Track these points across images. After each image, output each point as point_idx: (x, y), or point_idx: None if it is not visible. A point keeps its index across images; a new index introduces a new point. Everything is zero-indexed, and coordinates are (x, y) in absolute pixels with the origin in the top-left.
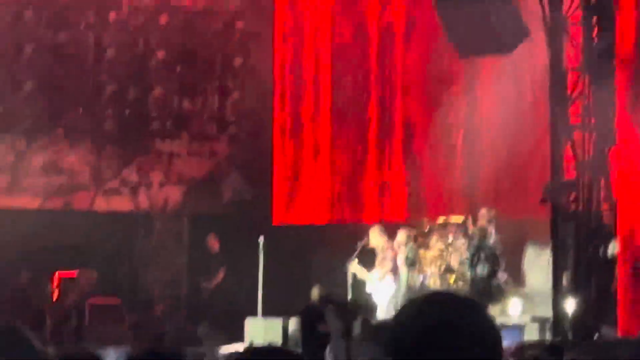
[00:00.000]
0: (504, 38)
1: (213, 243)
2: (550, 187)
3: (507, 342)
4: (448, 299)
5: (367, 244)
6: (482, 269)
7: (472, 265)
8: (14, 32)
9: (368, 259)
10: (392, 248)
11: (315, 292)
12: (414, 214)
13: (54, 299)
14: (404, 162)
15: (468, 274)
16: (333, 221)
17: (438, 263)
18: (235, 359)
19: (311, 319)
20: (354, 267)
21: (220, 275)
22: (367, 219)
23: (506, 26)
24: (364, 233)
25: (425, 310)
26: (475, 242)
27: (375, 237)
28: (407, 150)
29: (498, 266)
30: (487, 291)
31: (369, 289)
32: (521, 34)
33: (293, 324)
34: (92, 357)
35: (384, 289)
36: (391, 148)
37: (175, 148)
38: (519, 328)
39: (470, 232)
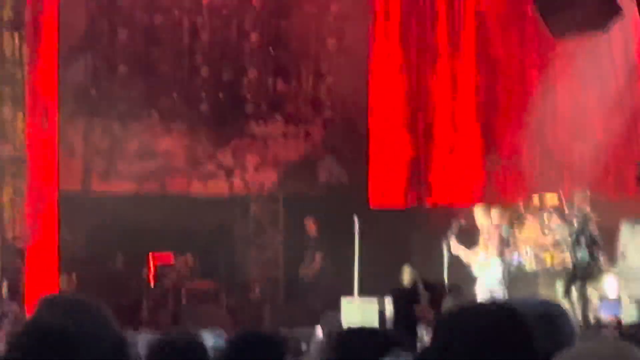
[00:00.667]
0: (597, 17)
1: (311, 226)
2: None
3: (606, 314)
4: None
5: (465, 225)
6: (583, 254)
7: (574, 249)
8: (109, 16)
9: (465, 240)
10: (498, 228)
11: (406, 274)
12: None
13: (151, 283)
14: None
15: (565, 255)
16: (423, 204)
17: (532, 244)
18: (334, 339)
19: (403, 300)
20: (456, 248)
21: (318, 260)
22: (457, 202)
23: (599, 5)
24: (455, 215)
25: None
26: (576, 226)
27: (481, 217)
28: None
29: (599, 250)
30: (589, 274)
31: (475, 270)
32: (614, 13)
33: (388, 304)
34: (192, 340)
35: (491, 270)
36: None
37: (270, 131)
38: (617, 302)
39: (567, 213)
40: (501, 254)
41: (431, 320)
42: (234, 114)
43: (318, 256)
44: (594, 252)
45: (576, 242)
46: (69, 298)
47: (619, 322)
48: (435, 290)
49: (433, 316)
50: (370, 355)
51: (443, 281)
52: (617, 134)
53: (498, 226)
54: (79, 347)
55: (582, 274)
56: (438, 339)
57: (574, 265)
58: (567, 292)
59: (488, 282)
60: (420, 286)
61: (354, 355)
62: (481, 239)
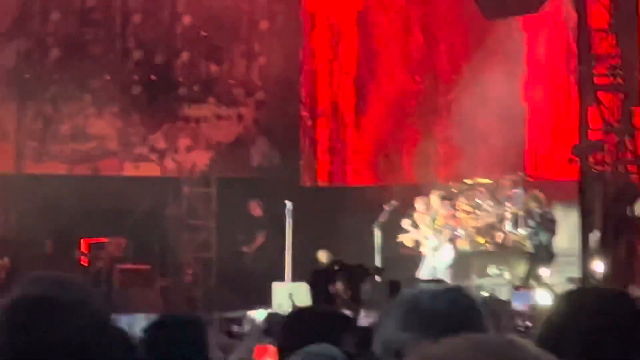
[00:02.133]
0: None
1: (255, 208)
2: (578, 147)
3: (519, 304)
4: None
5: (397, 206)
6: (544, 237)
7: (532, 232)
8: None
9: (393, 221)
10: (454, 215)
11: (322, 256)
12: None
13: (83, 266)
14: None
15: (497, 236)
16: (355, 183)
17: (466, 226)
18: (283, 320)
19: (320, 281)
20: (407, 230)
21: (260, 239)
22: (388, 181)
23: None
24: (387, 196)
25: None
26: (519, 207)
27: (437, 203)
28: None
29: (555, 232)
30: (545, 257)
31: (426, 253)
32: None
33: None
34: (195, 320)
35: (442, 254)
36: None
37: (203, 113)
38: (528, 292)
39: (499, 195)
40: (452, 238)
41: (346, 300)
42: (167, 96)
43: (260, 237)
44: (553, 233)
45: (527, 225)
46: (54, 276)
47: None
48: (353, 272)
49: (349, 296)
50: (320, 334)
51: (361, 263)
52: (548, 116)
53: (451, 211)
54: (66, 317)
55: (540, 258)
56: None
57: (536, 247)
58: (530, 277)
59: (438, 265)
60: (336, 267)
61: (305, 335)
62: (428, 222)
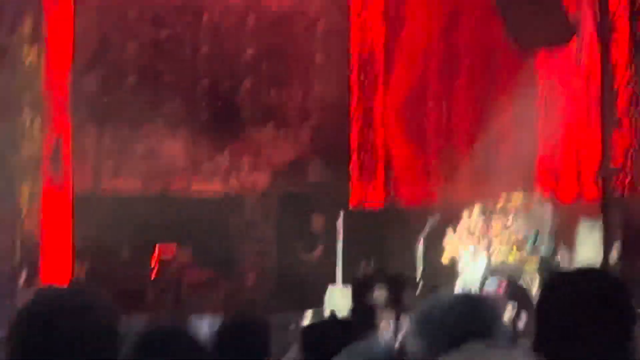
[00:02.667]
0: (560, 33)
1: (316, 220)
2: (601, 172)
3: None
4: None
5: (438, 221)
6: (544, 250)
7: (533, 246)
8: (119, 30)
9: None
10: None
11: (363, 267)
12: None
13: (154, 275)
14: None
15: (525, 252)
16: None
17: (498, 241)
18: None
19: (360, 288)
20: (451, 240)
21: (319, 249)
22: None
23: (560, 22)
24: (427, 214)
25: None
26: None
27: (477, 215)
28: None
29: (556, 246)
30: (551, 267)
31: (462, 264)
32: (573, 29)
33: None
34: (178, 330)
35: (478, 264)
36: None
37: (264, 136)
38: None
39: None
40: (487, 249)
41: (386, 307)
42: (231, 120)
43: (319, 247)
44: (554, 246)
45: (534, 238)
46: (66, 288)
47: None
48: (394, 281)
49: (389, 303)
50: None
51: (402, 273)
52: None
53: (486, 223)
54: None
55: (546, 268)
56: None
57: (540, 260)
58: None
59: (473, 276)
60: (379, 275)
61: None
62: (466, 234)
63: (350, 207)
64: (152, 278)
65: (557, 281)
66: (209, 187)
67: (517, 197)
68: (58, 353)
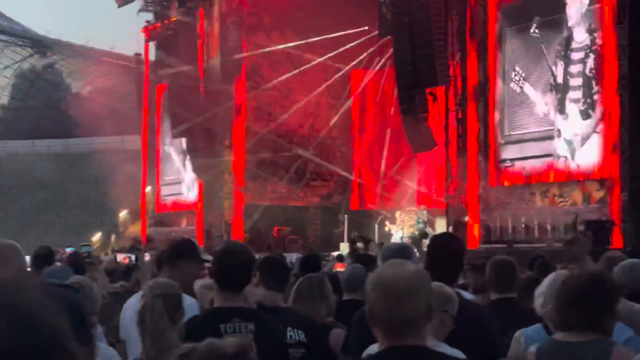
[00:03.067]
0: (427, 144)
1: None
2: (445, 196)
3: None
4: None
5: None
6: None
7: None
8: None
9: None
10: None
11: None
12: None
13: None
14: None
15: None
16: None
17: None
18: None
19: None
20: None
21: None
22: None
23: (428, 137)
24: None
25: None
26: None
27: (398, 215)
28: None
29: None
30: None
31: (393, 236)
32: (433, 142)
33: None
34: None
35: (398, 235)
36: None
37: None
38: None
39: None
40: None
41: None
42: None
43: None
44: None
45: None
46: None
47: None
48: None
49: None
50: None
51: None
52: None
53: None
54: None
55: None
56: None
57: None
58: None
59: (396, 239)
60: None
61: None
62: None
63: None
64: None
65: (431, 241)
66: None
67: (411, 207)
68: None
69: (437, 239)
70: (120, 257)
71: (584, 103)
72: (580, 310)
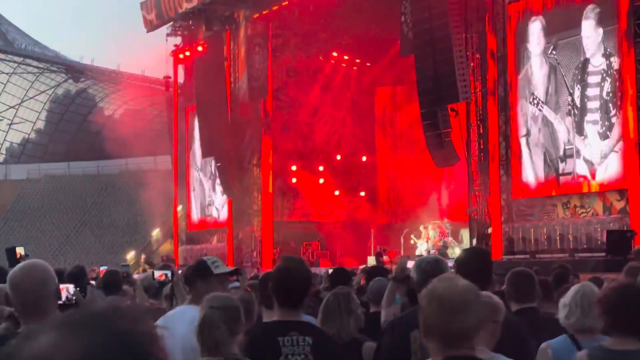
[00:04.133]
0: (450, 159)
1: None
2: (468, 209)
3: None
4: None
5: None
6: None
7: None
8: None
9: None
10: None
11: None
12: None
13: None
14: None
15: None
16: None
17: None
18: None
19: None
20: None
21: None
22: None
23: (450, 151)
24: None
25: None
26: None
27: (422, 229)
28: None
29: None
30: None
31: (418, 249)
32: (456, 156)
33: None
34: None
35: (423, 248)
36: None
37: None
38: None
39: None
40: (428, 249)
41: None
42: None
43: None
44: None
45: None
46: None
47: None
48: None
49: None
50: None
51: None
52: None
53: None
54: None
55: None
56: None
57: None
58: None
59: (421, 251)
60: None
61: None
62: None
63: None
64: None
65: (459, 255)
66: None
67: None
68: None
69: (466, 253)
70: (157, 274)
71: (602, 126)
72: (634, 319)
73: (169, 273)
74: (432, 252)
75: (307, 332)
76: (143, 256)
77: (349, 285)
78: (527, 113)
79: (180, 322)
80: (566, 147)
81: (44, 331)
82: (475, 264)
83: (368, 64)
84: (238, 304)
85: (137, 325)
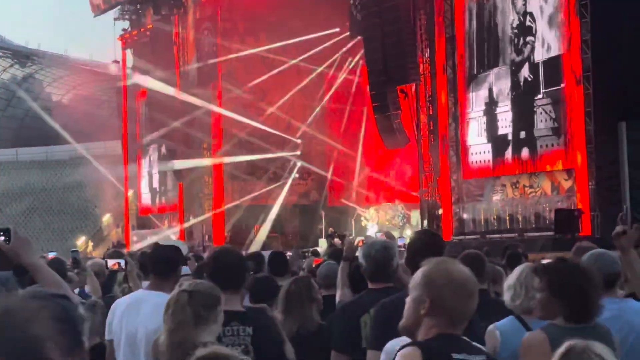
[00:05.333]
0: (402, 140)
1: None
2: (420, 192)
3: None
4: None
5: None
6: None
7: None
8: None
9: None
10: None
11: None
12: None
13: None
14: None
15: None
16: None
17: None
18: None
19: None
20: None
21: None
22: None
23: (402, 135)
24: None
25: None
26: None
27: (373, 210)
28: None
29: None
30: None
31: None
32: (406, 138)
33: None
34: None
35: (373, 228)
36: None
37: None
38: None
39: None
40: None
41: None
42: None
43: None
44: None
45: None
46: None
47: None
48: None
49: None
50: None
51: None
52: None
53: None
54: None
55: None
56: None
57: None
58: None
59: (372, 232)
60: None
61: None
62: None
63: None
64: None
65: (411, 237)
66: None
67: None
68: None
69: (418, 235)
70: (110, 262)
71: (549, 105)
72: (581, 299)
73: (122, 262)
74: (378, 235)
75: (248, 321)
76: (91, 243)
77: (289, 270)
78: (476, 94)
79: (144, 303)
80: (515, 128)
81: None
82: (428, 246)
83: (317, 49)
84: (216, 292)
85: (30, 328)
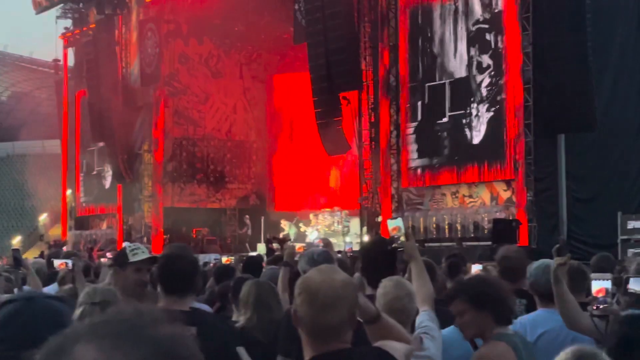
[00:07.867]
0: (342, 147)
1: None
2: (360, 199)
3: None
4: None
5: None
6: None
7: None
8: None
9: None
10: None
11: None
12: None
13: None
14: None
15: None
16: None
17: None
18: None
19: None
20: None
21: None
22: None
23: (341, 139)
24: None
25: None
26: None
27: (312, 217)
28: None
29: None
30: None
31: (309, 236)
32: (347, 145)
33: None
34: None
35: (313, 234)
36: None
37: None
38: None
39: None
40: (317, 229)
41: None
42: None
43: None
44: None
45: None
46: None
47: None
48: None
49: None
50: None
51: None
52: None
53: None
54: None
55: None
56: None
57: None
58: None
59: (312, 237)
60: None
61: None
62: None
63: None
64: None
65: (364, 245)
66: None
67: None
68: None
69: (371, 244)
70: (57, 263)
71: (490, 115)
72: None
73: (69, 262)
74: (315, 241)
75: (192, 322)
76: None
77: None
78: (418, 103)
79: None
80: (454, 138)
81: (74, 345)
82: (379, 253)
83: (261, 52)
84: (118, 298)
85: (171, 329)
